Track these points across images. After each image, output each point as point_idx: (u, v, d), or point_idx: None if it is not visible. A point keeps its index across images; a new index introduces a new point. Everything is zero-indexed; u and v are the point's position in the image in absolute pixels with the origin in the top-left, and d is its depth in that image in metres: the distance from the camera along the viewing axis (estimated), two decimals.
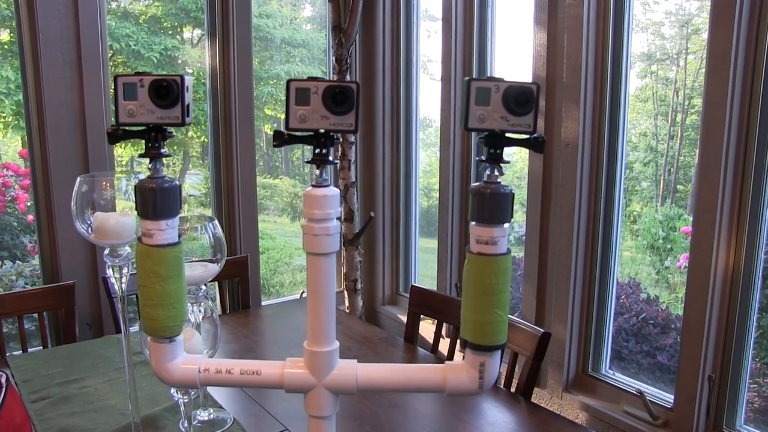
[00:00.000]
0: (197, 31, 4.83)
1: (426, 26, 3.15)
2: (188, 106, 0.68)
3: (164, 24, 4.69)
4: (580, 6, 1.99)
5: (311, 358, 0.72)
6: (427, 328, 2.44)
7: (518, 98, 0.63)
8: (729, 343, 1.78)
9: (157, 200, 0.69)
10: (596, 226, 2.12)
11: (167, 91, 0.67)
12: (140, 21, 4.54)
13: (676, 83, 3.64)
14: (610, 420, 2.04)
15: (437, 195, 2.74)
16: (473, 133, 0.62)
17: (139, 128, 0.70)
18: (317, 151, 0.69)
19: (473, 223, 0.68)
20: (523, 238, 2.34)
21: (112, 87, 0.68)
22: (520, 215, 2.98)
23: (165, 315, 0.71)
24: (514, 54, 2.68)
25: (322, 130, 0.67)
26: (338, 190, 0.70)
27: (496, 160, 0.66)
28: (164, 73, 0.68)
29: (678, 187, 3.63)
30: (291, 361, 0.73)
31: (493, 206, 0.66)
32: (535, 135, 0.66)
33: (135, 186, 0.69)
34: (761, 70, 1.63)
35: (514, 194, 0.67)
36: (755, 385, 2.41)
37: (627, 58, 2.03)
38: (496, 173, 0.67)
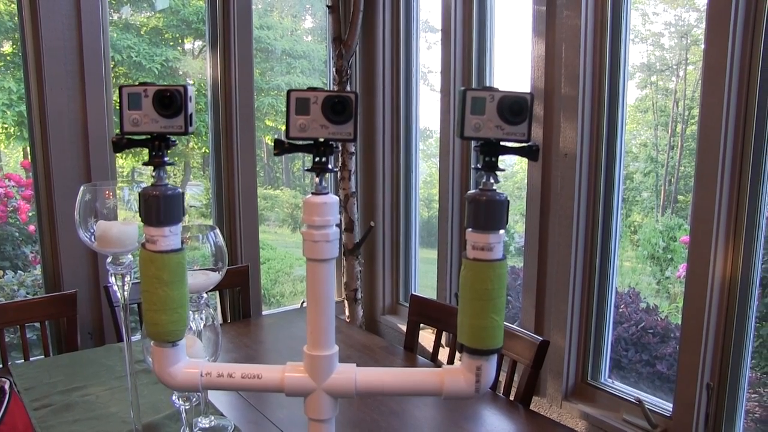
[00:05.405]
0: (198, 43, 4.86)
1: (426, 37, 3.18)
2: (191, 115, 0.70)
3: (165, 35, 4.73)
4: (578, 17, 2.02)
5: (311, 362, 0.73)
6: (426, 337, 2.45)
7: (512, 107, 0.65)
8: (727, 351, 1.79)
9: (160, 207, 0.70)
10: (595, 235, 2.13)
11: (170, 101, 0.68)
12: (141, 32, 4.57)
13: (676, 94, 3.65)
14: (609, 428, 2.04)
15: (437, 205, 2.76)
16: (472, 144, 0.64)
17: (143, 137, 0.71)
18: (317, 159, 0.70)
19: (469, 229, 0.70)
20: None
21: (116, 97, 0.70)
22: (520, 225, 2.99)
23: (168, 320, 0.72)
24: (513, 65, 2.71)
25: (321, 139, 0.69)
26: (337, 198, 0.72)
27: (491, 168, 0.68)
28: (166, 84, 0.69)
29: (678, 197, 3.64)
30: (291, 365, 0.75)
31: (488, 213, 0.68)
32: (529, 143, 0.67)
33: (139, 193, 0.71)
34: (756, 79, 1.65)
35: (509, 201, 0.68)
36: (756, 395, 2.42)
37: (625, 69, 2.05)
38: (492, 181, 0.68)
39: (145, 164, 0.72)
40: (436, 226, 2.79)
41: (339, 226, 0.73)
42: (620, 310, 2.79)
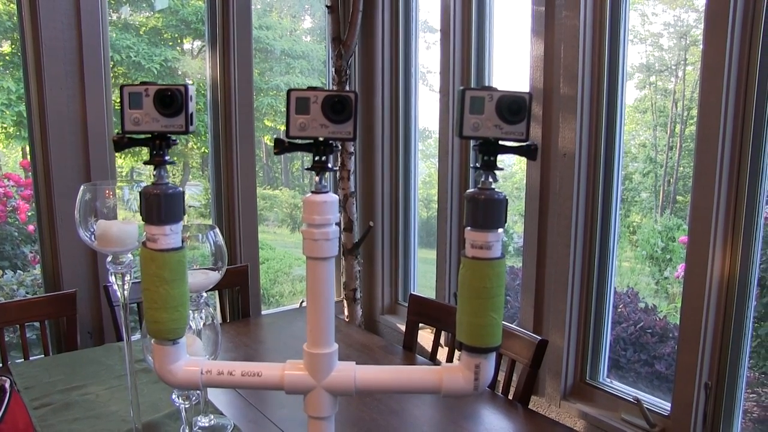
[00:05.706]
0: (197, 43, 4.86)
1: (425, 37, 3.18)
2: (191, 114, 0.70)
3: (164, 35, 4.73)
4: (576, 17, 2.02)
5: (311, 360, 0.74)
6: (425, 336, 2.46)
7: (511, 107, 0.65)
8: (725, 351, 1.80)
9: (161, 206, 0.71)
10: (593, 235, 2.14)
11: (171, 100, 0.69)
12: (140, 32, 4.57)
13: (675, 94, 3.65)
14: (608, 428, 2.04)
15: (436, 206, 2.76)
16: (471, 143, 0.65)
17: (144, 136, 0.72)
18: (317, 158, 0.71)
19: (468, 228, 0.70)
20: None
21: (115, 97, 0.70)
22: (519, 226, 2.99)
23: (169, 318, 0.73)
24: (512, 65, 2.71)
25: (321, 138, 0.70)
26: (337, 197, 0.72)
27: (489, 167, 0.69)
28: (166, 83, 0.70)
29: (677, 197, 3.64)
30: (291, 363, 0.75)
31: (487, 212, 0.68)
32: (528, 143, 0.68)
33: (140, 192, 0.71)
34: (754, 80, 1.66)
35: (507, 200, 0.69)
36: (754, 395, 2.42)
37: (623, 69, 2.05)
38: (490, 180, 0.69)
39: (145, 163, 0.72)
40: (435, 226, 2.79)
41: (338, 225, 0.73)
42: (619, 310, 2.79)
